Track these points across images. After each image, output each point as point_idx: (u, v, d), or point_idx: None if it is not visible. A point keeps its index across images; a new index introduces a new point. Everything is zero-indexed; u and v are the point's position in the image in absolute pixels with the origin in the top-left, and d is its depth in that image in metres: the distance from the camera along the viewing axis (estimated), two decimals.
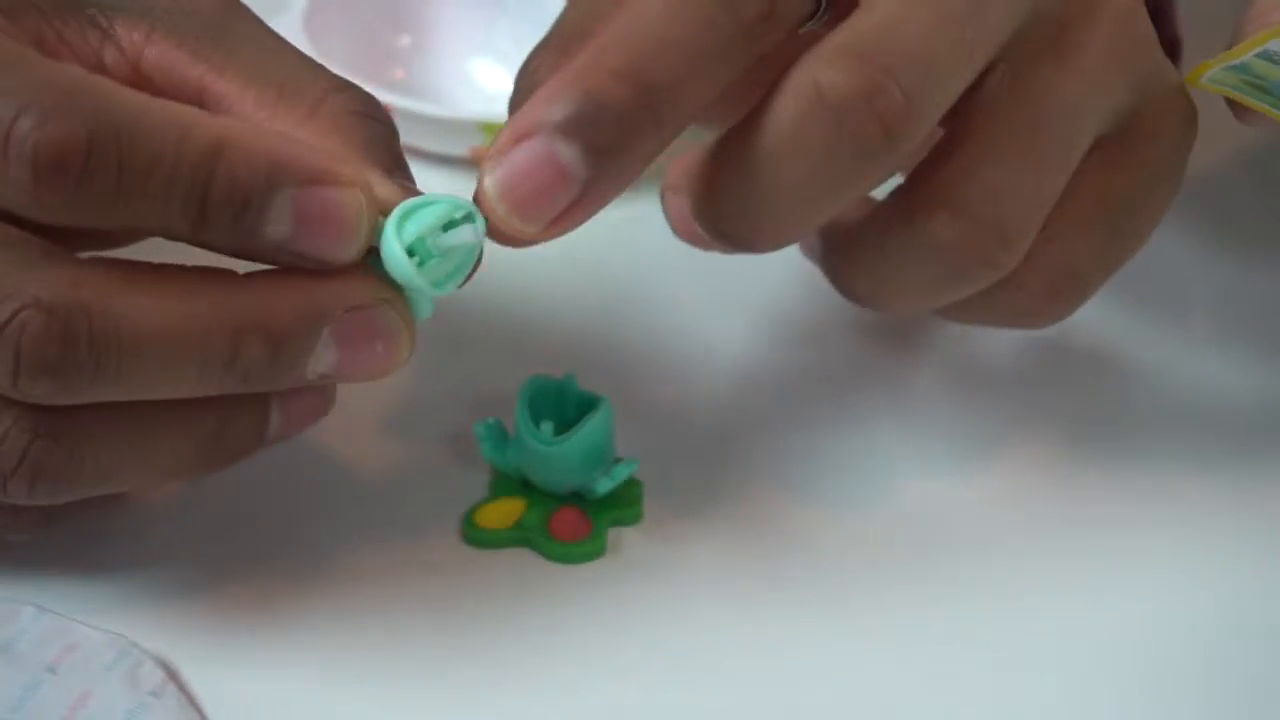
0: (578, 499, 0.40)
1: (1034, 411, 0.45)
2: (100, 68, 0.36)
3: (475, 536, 0.39)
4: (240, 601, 0.38)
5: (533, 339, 0.45)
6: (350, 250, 0.34)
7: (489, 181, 0.34)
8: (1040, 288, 0.39)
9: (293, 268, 0.34)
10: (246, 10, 0.38)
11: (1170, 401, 0.45)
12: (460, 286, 0.35)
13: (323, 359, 0.34)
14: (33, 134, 0.32)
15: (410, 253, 0.34)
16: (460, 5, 0.54)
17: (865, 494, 0.42)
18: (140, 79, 0.36)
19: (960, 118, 0.37)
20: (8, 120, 0.32)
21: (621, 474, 0.40)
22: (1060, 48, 0.37)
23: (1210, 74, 0.38)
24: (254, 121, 0.36)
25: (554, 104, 0.33)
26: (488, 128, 0.49)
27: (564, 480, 0.40)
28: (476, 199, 0.34)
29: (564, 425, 0.40)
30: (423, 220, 0.34)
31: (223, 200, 0.33)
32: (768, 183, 0.35)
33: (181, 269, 0.34)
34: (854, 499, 0.42)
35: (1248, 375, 0.46)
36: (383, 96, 0.48)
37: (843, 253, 0.39)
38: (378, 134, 0.36)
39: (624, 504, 0.40)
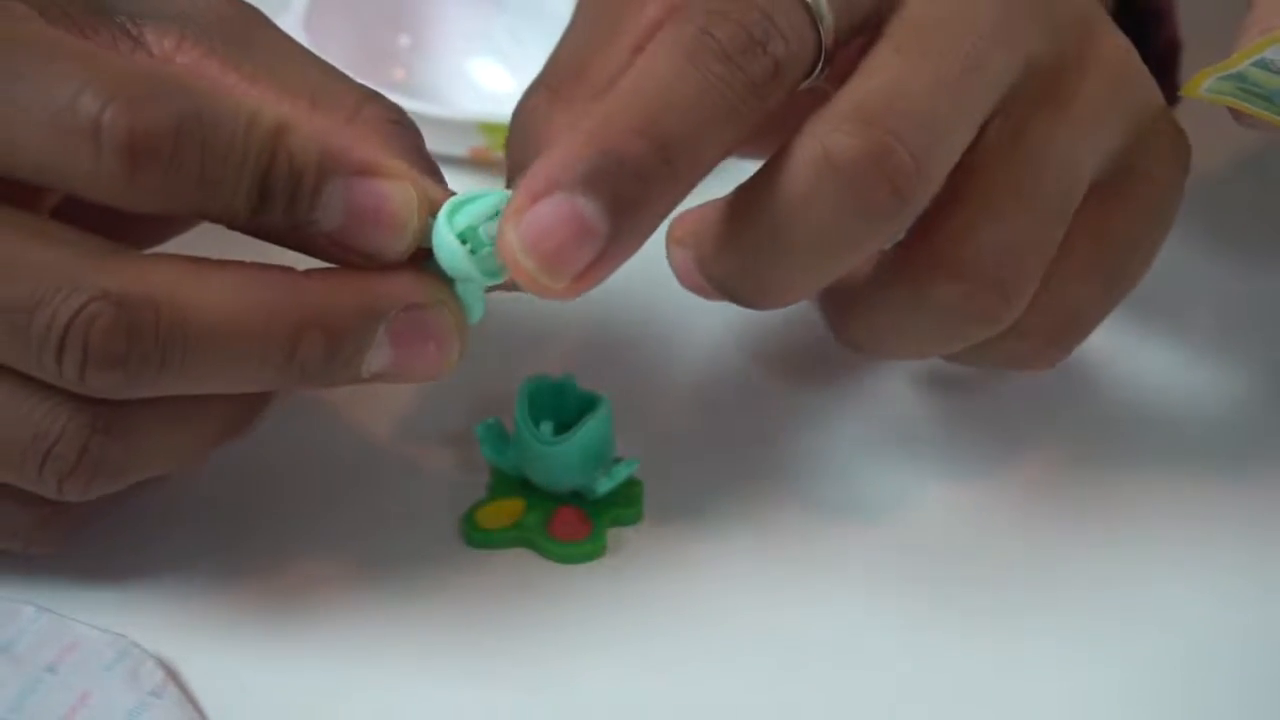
0: (578, 499, 0.40)
1: (1036, 413, 0.44)
2: None
3: (475, 537, 0.39)
4: (240, 601, 0.38)
5: (532, 339, 0.45)
6: (399, 244, 0.35)
7: (513, 237, 0.34)
8: (1041, 335, 0.39)
9: (348, 265, 0.35)
10: (266, 19, 0.39)
11: (1172, 406, 0.45)
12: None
13: (378, 357, 0.35)
14: (124, 122, 0.32)
15: (462, 241, 0.34)
16: (460, 5, 0.54)
17: (866, 494, 0.42)
18: None
19: (958, 172, 0.37)
20: (95, 110, 0.32)
21: (621, 474, 0.40)
22: (1055, 98, 0.38)
23: (1208, 84, 0.38)
24: None
25: (573, 161, 0.33)
26: (487, 128, 0.49)
27: (564, 480, 0.40)
28: (501, 254, 0.34)
29: (563, 425, 0.40)
30: (473, 211, 0.35)
31: (281, 184, 0.34)
32: (777, 244, 0.35)
33: (243, 264, 0.34)
34: (855, 499, 0.42)
35: (1249, 380, 0.46)
36: None
37: (845, 307, 0.39)
38: (415, 142, 0.37)
39: (624, 504, 0.40)
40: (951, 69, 0.36)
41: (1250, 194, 0.53)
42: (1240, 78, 0.37)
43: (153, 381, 0.33)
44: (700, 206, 0.37)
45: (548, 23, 0.53)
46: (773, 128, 0.36)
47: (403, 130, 0.37)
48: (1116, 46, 0.39)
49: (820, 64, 0.36)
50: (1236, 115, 0.39)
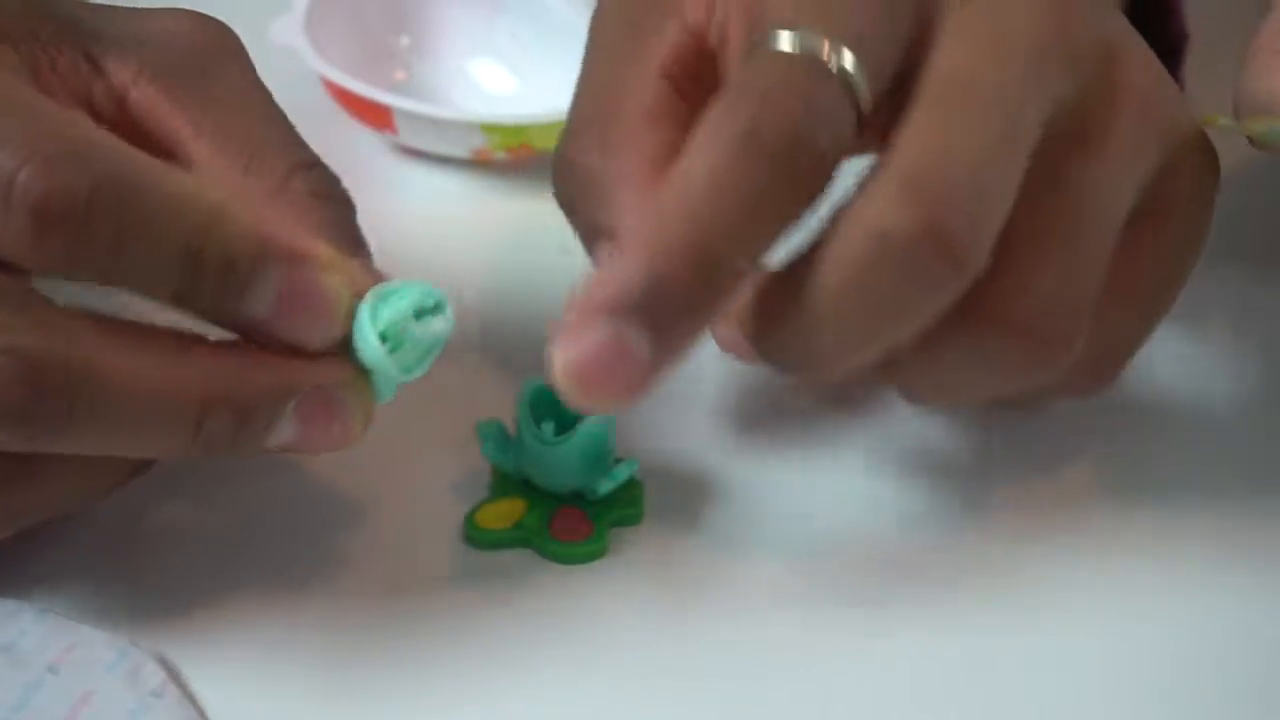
0: (579, 499, 0.40)
1: (1043, 418, 0.44)
2: (89, 100, 0.37)
3: (476, 537, 0.39)
4: (241, 601, 0.38)
5: (532, 341, 0.45)
6: (328, 334, 0.35)
7: (559, 362, 0.34)
8: (1088, 367, 0.40)
9: (266, 345, 0.35)
10: (234, 54, 0.39)
11: (1177, 412, 0.45)
12: (425, 373, 0.36)
13: (283, 433, 0.35)
14: (36, 184, 0.32)
15: (382, 338, 0.35)
16: (460, 6, 0.54)
17: (868, 494, 0.42)
18: (124, 117, 0.37)
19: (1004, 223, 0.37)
20: (11, 169, 0.32)
21: (622, 474, 0.40)
22: (1087, 136, 0.38)
23: (1224, 122, 0.38)
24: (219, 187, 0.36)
25: (620, 288, 0.33)
26: (488, 128, 0.49)
27: (565, 480, 0.40)
28: (551, 373, 0.34)
29: (564, 426, 0.40)
30: (397, 308, 0.35)
31: (212, 270, 0.34)
32: (835, 322, 0.35)
33: (159, 330, 0.34)
34: (857, 497, 0.42)
35: (1254, 386, 0.46)
36: (383, 97, 0.49)
37: (902, 365, 0.38)
38: (339, 216, 0.37)
39: (624, 504, 0.40)
40: (994, 130, 0.35)
41: (1260, 197, 0.53)
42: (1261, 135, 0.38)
43: (53, 441, 0.33)
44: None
45: (548, 24, 0.53)
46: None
47: (328, 204, 0.37)
48: (1143, 71, 0.38)
49: (860, 125, 0.36)
50: (1255, 143, 0.39)
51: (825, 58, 0.35)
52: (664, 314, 0.34)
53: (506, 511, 0.40)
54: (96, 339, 0.33)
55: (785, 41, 0.36)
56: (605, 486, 0.40)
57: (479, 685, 0.37)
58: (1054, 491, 0.42)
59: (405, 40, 0.54)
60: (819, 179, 0.35)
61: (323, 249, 0.35)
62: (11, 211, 0.32)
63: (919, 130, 0.36)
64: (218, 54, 0.38)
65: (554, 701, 0.36)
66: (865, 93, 0.36)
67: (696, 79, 0.39)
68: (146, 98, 0.37)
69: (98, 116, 0.36)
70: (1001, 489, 0.42)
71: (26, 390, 0.32)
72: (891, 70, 0.37)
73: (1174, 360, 0.46)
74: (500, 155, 0.50)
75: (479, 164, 0.51)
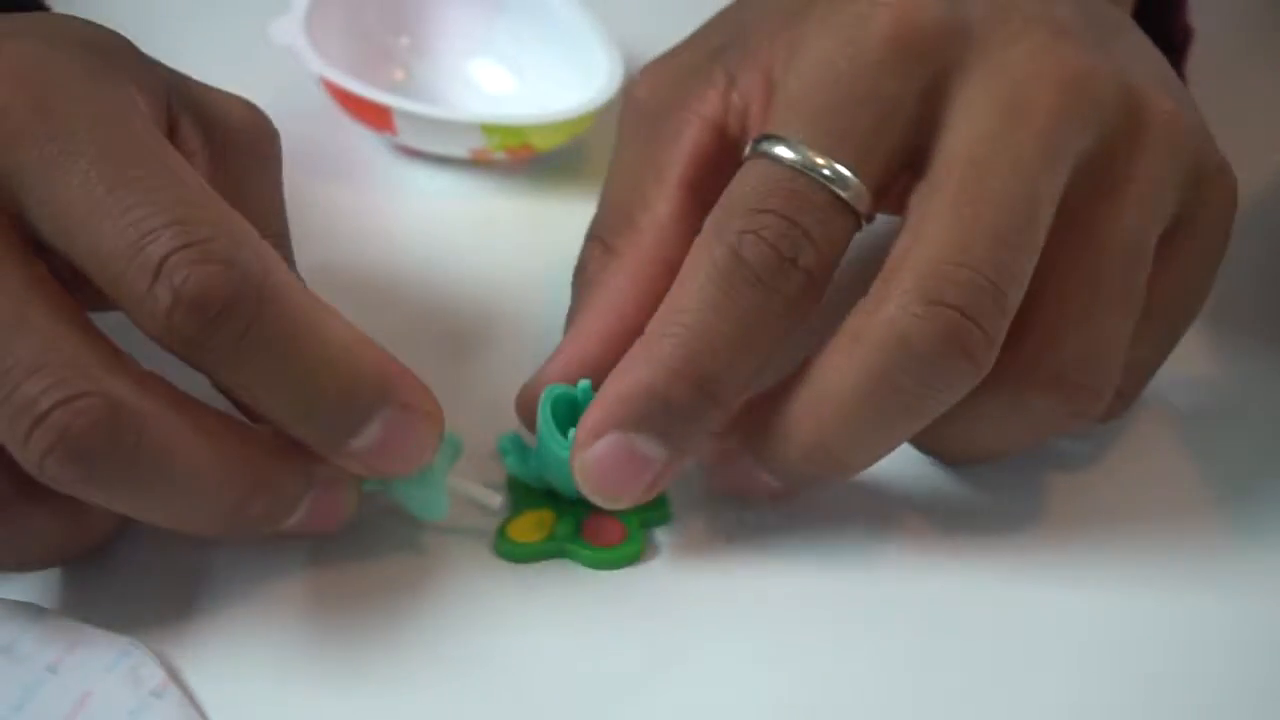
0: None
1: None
2: None
3: (509, 550, 0.39)
4: (242, 602, 0.38)
5: (532, 342, 0.45)
6: (406, 472, 0.37)
7: (578, 470, 0.37)
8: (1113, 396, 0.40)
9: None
10: (272, 157, 0.40)
11: (1183, 419, 0.45)
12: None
13: (295, 517, 0.37)
14: (188, 270, 0.33)
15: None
16: (460, 6, 0.54)
17: (876, 495, 0.42)
18: None
19: (1033, 276, 0.37)
20: (167, 249, 0.33)
21: None
22: (1111, 185, 0.38)
23: None
24: None
25: (625, 405, 0.37)
26: (488, 128, 0.49)
27: None
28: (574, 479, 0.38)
29: None
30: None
31: (332, 401, 0.35)
32: (856, 428, 0.37)
33: (220, 413, 0.35)
34: (867, 496, 0.41)
35: (1260, 392, 0.46)
36: (382, 97, 0.49)
37: (935, 425, 0.39)
38: None
39: (651, 505, 0.40)
40: (1008, 217, 0.36)
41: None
42: None
43: (104, 492, 0.34)
44: (742, 414, 0.38)
45: (548, 24, 0.53)
46: None
47: None
48: (1165, 111, 0.38)
49: (865, 221, 0.38)
50: None
51: (820, 163, 0.37)
52: (667, 424, 0.37)
53: (536, 522, 0.39)
54: (174, 407, 0.34)
55: (781, 148, 0.37)
56: None
57: (481, 687, 0.37)
58: (1091, 498, 0.42)
59: (405, 40, 0.54)
60: (809, 295, 0.37)
61: (428, 395, 0.36)
62: (159, 284, 0.33)
63: (934, 225, 0.36)
64: (260, 157, 0.40)
65: (585, 705, 0.36)
66: (860, 190, 0.37)
67: (719, 171, 0.40)
68: (199, 170, 0.38)
69: None
70: (1033, 490, 0.42)
71: (99, 436, 0.33)
72: (898, 160, 0.38)
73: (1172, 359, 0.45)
74: (500, 155, 0.50)
75: (479, 164, 0.51)
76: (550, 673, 0.37)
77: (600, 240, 0.42)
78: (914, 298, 0.36)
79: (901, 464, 0.42)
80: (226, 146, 0.38)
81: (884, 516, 0.41)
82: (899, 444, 0.38)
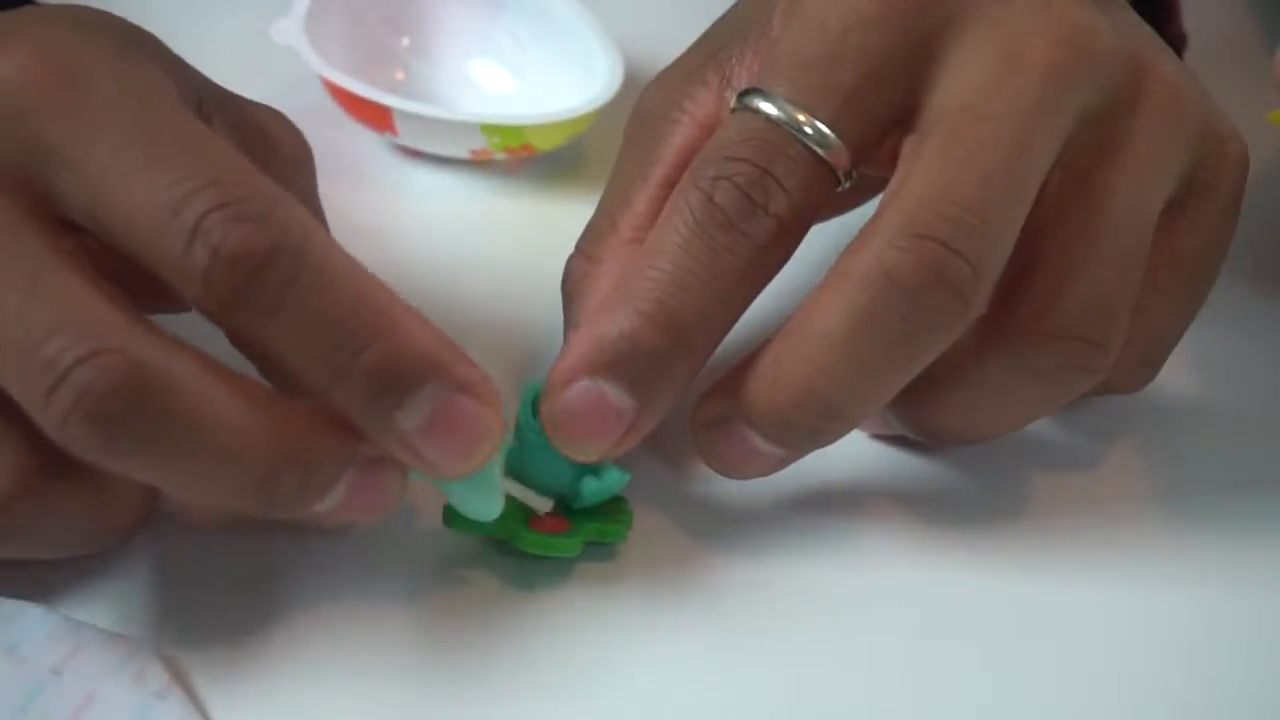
0: (566, 509, 0.39)
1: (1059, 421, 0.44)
2: None
3: (452, 519, 0.38)
4: (246, 603, 0.38)
5: (531, 340, 0.45)
6: (464, 467, 0.35)
7: (547, 417, 0.37)
8: (1133, 362, 0.40)
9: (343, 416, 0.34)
10: (304, 167, 0.40)
11: (1183, 408, 0.45)
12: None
13: (330, 499, 0.35)
14: (223, 226, 0.32)
15: None
16: (460, 6, 0.54)
17: (867, 500, 0.42)
18: None
19: (1029, 232, 0.37)
20: (204, 208, 0.32)
21: (612, 480, 0.39)
22: (1112, 142, 0.38)
23: None
24: None
25: (594, 349, 0.36)
26: (488, 129, 0.49)
27: (559, 475, 0.39)
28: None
29: None
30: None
31: (374, 364, 0.33)
32: (846, 369, 0.36)
33: (251, 381, 0.34)
34: (856, 504, 0.42)
35: (1253, 387, 0.46)
36: (383, 98, 0.49)
37: (928, 397, 0.39)
38: None
39: (610, 518, 0.39)
40: (998, 160, 0.36)
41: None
42: None
43: (128, 457, 0.33)
44: (730, 373, 0.38)
45: (548, 24, 0.53)
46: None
47: None
48: (1167, 74, 0.38)
49: (845, 178, 0.38)
50: None
51: (800, 119, 0.37)
52: (635, 370, 0.36)
53: None
54: (201, 374, 0.33)
55: (762, 101, 0.37)
56: (590, 487, 0.39)
57: (482, 689, 0.37)
58: (1071, 491, 0.42)
59: (405, 41, 0.54)
60: (781, 242, 0.37)
61: (485, 382, 0.35)
62: (196, 243, 0.32)
63: (923, 167, 0.36)
64: (296, 161, 0.40)
65: (562, 708, 0.36)
66: (838, 146, 0.37)
67: None
68: None
69: None
70: (1024, 489, 0.42)
71: (121, 395, 0.32)
72: (886, 114, 0.37)
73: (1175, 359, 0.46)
74: (500, 155, 0.50)
75: (479, 164, 0.51)
76: (551, 667, 0.37)
77: (581, 251, 0.42)
78: (899, 233, 0.35)
79: (882, 456, 0.42)
80: (263, 152, 0.38)
81: (864, 510, 0.41)
82: (892, 390, 0.37)
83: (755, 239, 0.36)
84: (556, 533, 0.39)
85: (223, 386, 0.33)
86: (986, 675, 0.38)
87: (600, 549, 0.39)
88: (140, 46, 0.37)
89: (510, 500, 0.39)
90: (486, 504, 0.37)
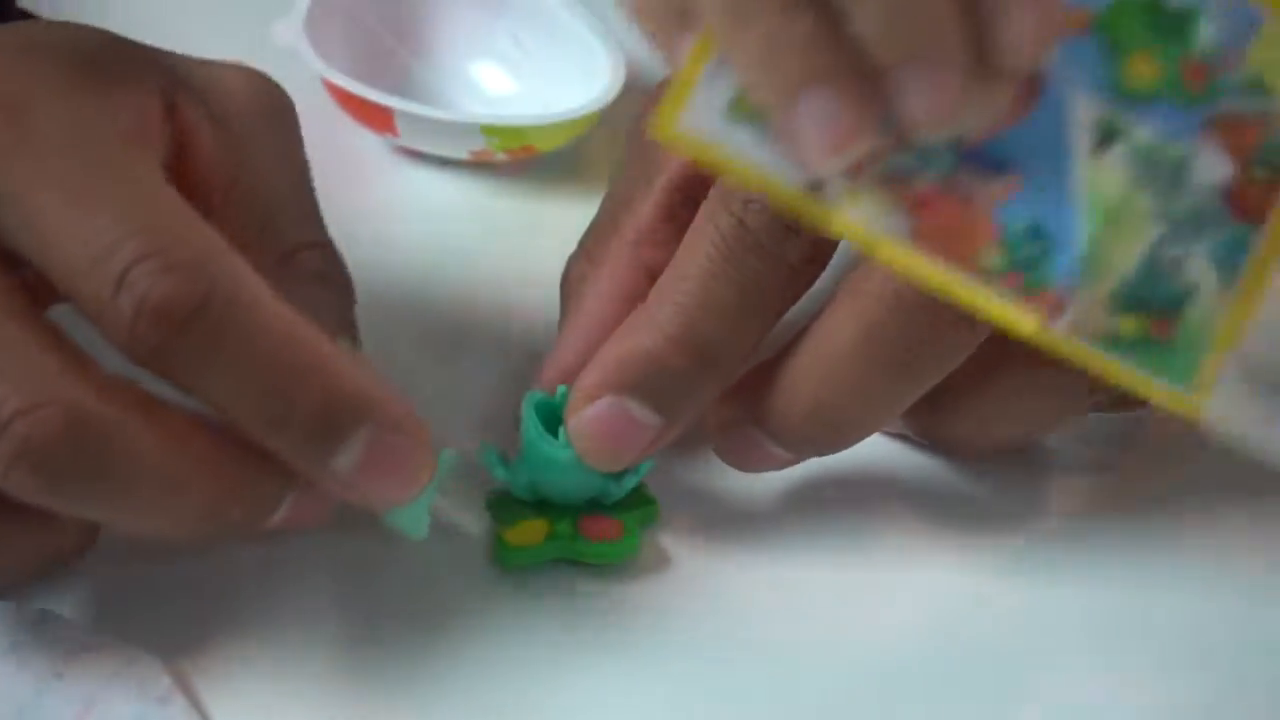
0: (595, 506, 0.40)
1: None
2: (157, 139, 0.36)
3: (510, 556, 0.39)
4: (247, 610, 0.38)
5: (532, 343, 0.45)
6: (400, 500, 0.36)
7: (572, 430, 0.38)
8: None
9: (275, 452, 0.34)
10: (282, 120, 0.39)
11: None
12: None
13: (278, 515, 0.35)
14: (152, 279, 0.32)
15: None
16: (461, 7, 0.54)
17: (878, 499, 0.42)
18: (180, 162, 0.37)
19: None
20: (131, 258, 0.32)
21: (642, 469, 0.39)
22: None
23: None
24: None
25: (622, 367, 0.37)
26: (488, 130, 0.49)
27: (583, 486, 0.39)
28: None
29: None
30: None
31: (305, 414, 0.33)
32: (854, 386, 0.37)
33: (195, 417, 0.34)
34: (867, 502, 0.41)
35: None
36: (383, 99, 0.49)
37: (941, 407, 0.39)
38: (336, 300, 0.38)
39: (641, 503, 0.40)
40: None
41: None
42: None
43: (72, 501, 0.33)
44: (746, 377, 0.38)
45: (549, 25, 0.53)
46: None
47: (330, 289, 0.38)
48: None
49: None
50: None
51: None
52: (662, 390, 0.37)
53: (532, 529, 0.39)
54: (139, 411, 0.33)
55: None
56: (630, 481, 0.39)
57: (485, 691, 0.37)
58: (1082, 493, 0.42)
59: (406, 42, 0.53)
60: (811, 265, 0.37)
61: (413, 421, 0.35)
62: (122, 294, 0.32)
63: None
64: (269, 117, 0.39)
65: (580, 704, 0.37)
66: None
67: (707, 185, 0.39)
68: (202, 146, 0.37)
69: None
70: (1020, 482, 0.42)
71: (65, 443, 0.32)
72: None
73: None
74: (500, 156, 0.50)
75: (479, 165, 0.51)
76: (551, 677, 0.37)
77: (583, 252, 0.42)
78: None
79: (896, 458, 0.42)
80: (229, 113, 0.38)
81: (878, 512, 0.41)
82: (901, 406, 0.37)
83: (788, 261, 0.37)
84: (610, 539, 0.39)
85: (163, 426, 0.33)
86: (1000, 676, 0.38)
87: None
88: (93, 63, 0.36)
89: (548, 517, 0.39)
90: (417, 523, 0.37)
